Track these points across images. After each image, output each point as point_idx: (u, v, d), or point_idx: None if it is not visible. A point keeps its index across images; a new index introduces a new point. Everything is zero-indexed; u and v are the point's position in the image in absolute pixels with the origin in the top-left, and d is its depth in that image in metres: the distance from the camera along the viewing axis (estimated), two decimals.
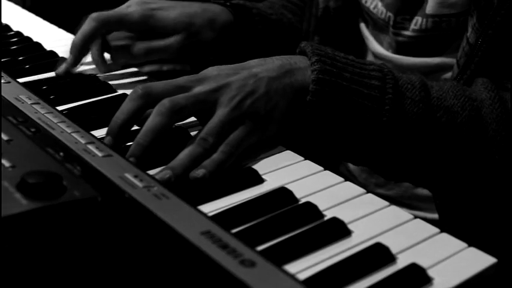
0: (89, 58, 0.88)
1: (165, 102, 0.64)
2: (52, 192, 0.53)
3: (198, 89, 0.66)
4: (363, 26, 0.93)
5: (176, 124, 0.70)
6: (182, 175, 0.62)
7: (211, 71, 0.68)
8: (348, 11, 0.93)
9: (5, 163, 0.56)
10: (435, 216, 0.84)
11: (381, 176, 0.72)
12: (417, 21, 0.83)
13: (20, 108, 0.70)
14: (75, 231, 0.51)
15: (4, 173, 0.54)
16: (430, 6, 0.81)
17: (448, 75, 0.82)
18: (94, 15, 0.84)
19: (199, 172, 0.62)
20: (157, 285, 0.47)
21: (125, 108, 0.66)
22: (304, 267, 0.52)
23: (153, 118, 0.64)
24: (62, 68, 0.86)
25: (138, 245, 0.51)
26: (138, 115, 0.66)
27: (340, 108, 0.65)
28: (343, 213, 0.58)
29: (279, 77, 0.67)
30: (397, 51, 0.87)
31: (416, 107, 0.65)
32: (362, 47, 0.94)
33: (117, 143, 0.66)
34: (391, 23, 0.85)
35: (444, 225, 0.78)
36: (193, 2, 0.89)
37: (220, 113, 0.65)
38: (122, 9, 0.86)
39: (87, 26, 0.84)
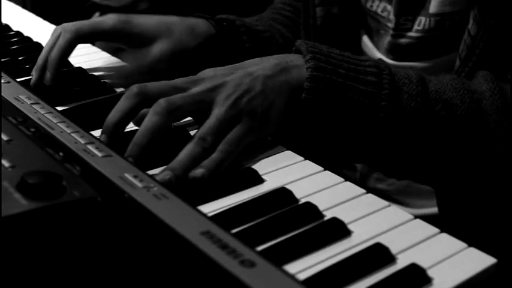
0: (91, 59, 0.88)
1: (161, 102, 0.64)
2: (52, 192, 0.53)
3: (195, 89, 0.66)
4: (363, 33, 0.92)
5: (175, 123, 0.71)
6: (182, 175, 0.62)
7: (207, 72, 0.68)
8: (351, 16, 0.92)
9: (5, 163, 0.56)
10: (434, 211, 0.84)
11: (381, 173, 0.72)
12: (420, 21, 0.82)
13: (20, 108, 0.70)
14: (75, 231, 0.51)
15: (4, 173, 0.54)
16: (433, 6, 0.80)
17: None
18: (67, 26, 0.83)
19: (198, 172, 0.62)
20: (157, 285, 0.47)
21: (120, 106, 0.66)
22: (304, 267, 0.52)
23: (150, 118, 0.64)
24: (35, 79, 0.83)
25: (137, 245, 0.51)
26: (133, 114, 0.67)
27: (335, 105, 0.65)
28: (343, 213, 0.58)
29: (275, 75, 0.67)
30: (397, 57, 0.86)
31: (413, 102, 0.65)
32: (361, 54, 0.94)
33: (112, 141, 0.66)
34: (393, 25, 0.85)
35: (445, 222, 0.78)
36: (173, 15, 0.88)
37: (217, 112, 0.65)
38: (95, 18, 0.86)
39: (62, 40, 0.82)
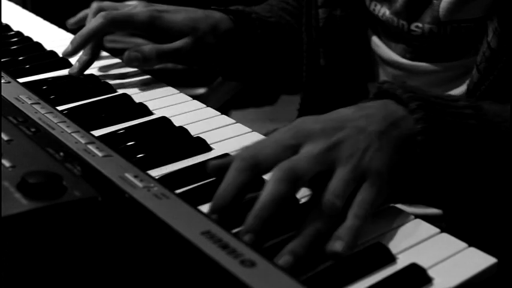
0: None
1: (285, 168, 0.55)
2: (52, 192, 0.53)
3: (311, 149, 0.57)
4: (371, 33, 0.92)
5: (175, 124, 0.70)
6: (304, 254, 0.53)
7: (310, 124, 0.60)
8: (355, 18, 0.92)
9: (5, 163, 0.56)
10: (436, 211, 0.83)
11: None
12: (432, 28, 0.81)
13: (20, 108, 0.70)
14: (76, 231, 0.51)
15: (4, 173, 0.54)
16: (443, 14, 0.79)
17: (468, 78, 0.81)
18: (103, 13, 0.85)
19: (338, 245, 0.53)
20: (158, 285, 0.47)
21: (234, 182, 0.56)
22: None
23: (274, 186, 0.54)
24: (68, 51, 0.88)
25: (138, 245, 0.51)
26: (247, 189, 0.57)
27: (452, 153, 0.61)
28: None
29: (388, 130, 0.60)
30: (413, 58, 0.85)
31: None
32: (369, 54, 0.93)
33: (222, 222, 0.55)
34: (406, 29, 0.84)
35: (448, 222, 0.78)
36: (196, 8, 0.91)
37: (342, 172, 0.57)
38: (128, 9, 0.88)
39: (95, 23, 0.85)
